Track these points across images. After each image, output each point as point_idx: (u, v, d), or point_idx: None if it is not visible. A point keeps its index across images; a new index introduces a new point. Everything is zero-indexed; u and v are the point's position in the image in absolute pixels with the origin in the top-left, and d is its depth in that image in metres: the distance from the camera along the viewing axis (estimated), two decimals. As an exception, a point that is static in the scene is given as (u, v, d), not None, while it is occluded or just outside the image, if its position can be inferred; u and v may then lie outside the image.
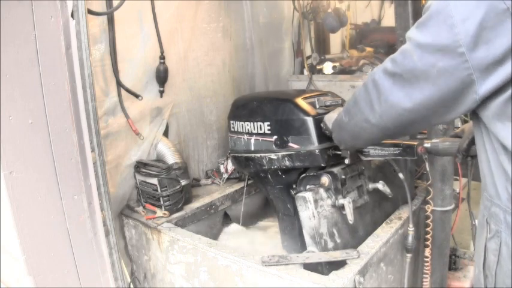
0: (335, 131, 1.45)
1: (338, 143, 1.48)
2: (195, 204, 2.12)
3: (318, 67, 3.12)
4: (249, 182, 2.33)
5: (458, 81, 0.86)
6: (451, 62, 0.85)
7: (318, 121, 1.69)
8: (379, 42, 3.96)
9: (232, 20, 2.65)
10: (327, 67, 3.05)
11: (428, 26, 0.89)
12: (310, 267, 1.53)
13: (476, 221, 1.79)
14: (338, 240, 1.64)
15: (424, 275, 1.85)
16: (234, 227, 2.30)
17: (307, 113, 1.71)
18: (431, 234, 1.81)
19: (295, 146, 1.73)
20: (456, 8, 0.82)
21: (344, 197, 1.66)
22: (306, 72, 3.17)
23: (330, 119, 1.57)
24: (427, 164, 1.60)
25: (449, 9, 0.83)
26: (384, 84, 1.01)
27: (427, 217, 1.80)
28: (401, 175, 1.67)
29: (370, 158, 1.65)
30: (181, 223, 1.98)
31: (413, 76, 0.93)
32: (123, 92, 2.00)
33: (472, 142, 1.30)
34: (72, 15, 1.33)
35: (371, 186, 1.79)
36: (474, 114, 0.97)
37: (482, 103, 0.88)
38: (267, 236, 2.26)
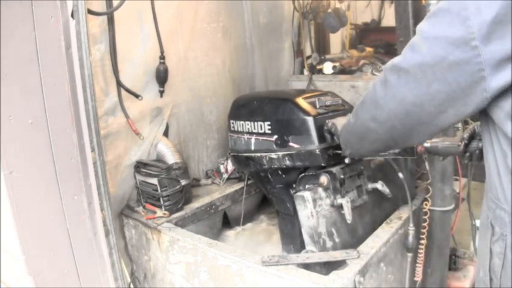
0: (342, 135, 1.40)
1: (344, 147, 1.42)
2: (195, 204, 2.12)
3: (318, 67, 3.12)
4: (249, 181, 2.33)
5: (468, 77, 0.83)
6: (463, 55, 0.81)
7: (318, 121, 1.70)
8: (379, 42, 3.97)
9: (232, 20, 2.65)
10: (327, 67, 3.05)
11: (440, 18, 0.85)
12: (309, 266, 1.53)
13: (477, 221, 1.80)
14: (337, 240, 1.65)
15: (417, 270, 1.84)
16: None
17: (307, 113, 1.72)
18: (427, 229, 1.80)
19: (296, 146, 1.73)
20: (471, 0, 0.79)
21: (343, 197, 1.66)
22: (306, 72, 3.17)
23: (340, 124, 1.53)
24: (426, 163, 1.60)
25: (463, 1, 0.80)
26: (391, 80, 0.98)
27: (425, 213, 1.80)
28: (401, 175, 1.67)
29: (370, 158, 1.65)
30: (181, 223, 1.98)
31: (421, 71, 0.89)
32: (123, 92, 2.00)
33: (469, 141, 1.30)
34: (72, 15, 1.33)
35: (370, 186, 1.79)
36: (482, 114, 0.94)
37: (494, 102, 0.85)
38: (266, 236, 2.26)
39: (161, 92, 2.19)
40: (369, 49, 3.56)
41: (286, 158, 1.76)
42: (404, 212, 1.86)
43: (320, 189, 1.66)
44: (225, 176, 2.45)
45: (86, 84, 1.41)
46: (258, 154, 1.85)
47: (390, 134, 1.08)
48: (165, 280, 1.93)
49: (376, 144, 1.21)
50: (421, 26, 0.91)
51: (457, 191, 2.05)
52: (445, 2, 0.85)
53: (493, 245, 0.98)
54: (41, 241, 1.32)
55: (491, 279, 1.01)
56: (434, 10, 0.88)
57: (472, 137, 1.30)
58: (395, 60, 0.97)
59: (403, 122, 1.01)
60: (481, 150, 1.26)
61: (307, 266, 1.52)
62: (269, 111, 1.82)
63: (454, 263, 2.25)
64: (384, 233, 1.70)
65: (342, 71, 3.10)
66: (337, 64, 3.09)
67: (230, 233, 2.30)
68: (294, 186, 1.83)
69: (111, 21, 1.89)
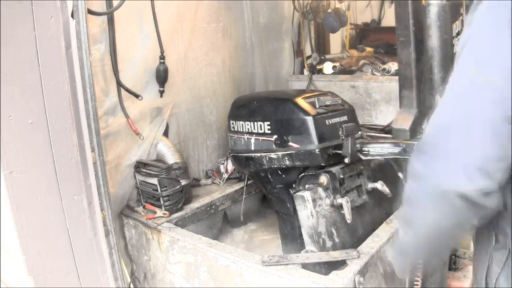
0: (402, 256, 1.08)
1: (416, 263, 1.24)
2: (195, 204, 2.12)
3: (318, 67, 3.13)
4: (249, 181, 2.33)
5: None
6: None
7: (318, 120, 1.70)
8: (379, 42, 3.97)
9: (232, 20, 2.65)
10: (327, 67, 3.06)
11: (483, 41, 0.70)
12: (308, 266, 1.53)
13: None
14: (337, 240, 1.65)
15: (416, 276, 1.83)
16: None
17: (307, 113, 1.72)
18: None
19: (295, 146, 1.73)
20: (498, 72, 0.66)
21: (342, 197, 1.66)
22: (306, 72, 3.18)
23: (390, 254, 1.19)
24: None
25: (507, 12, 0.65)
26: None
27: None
28: (401, 175, 1.67)
29: (370, 158, 1.65)
30: (181, 223, 1.98)
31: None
32: (123, 92, 2.00)
33: None
34: (72, 15, 1.33)
35: (370, 186, 1.79)
36: None
37: None
38: (266, 236, 2.26)
39: (161, 92, 2.19)
40: (369, 49, 3.56)
41: (286, 158, 1.76)
42: (404, 212, 1.86)
43: (320, 189, 1.66)
44: (225, 176, 2.45)
45: (86, 84, 1.41)
46: (258, 154, 1.85)
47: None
48: (165, 280, 1.93)
49: (459, 230, 0.95)
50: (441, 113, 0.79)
51: (457, 191, 2.04)
52: (464, 83, 0.72)
53: (494, 251, 0.96)
54: (41, 241, 1.32)
55: (486, 283, 1.00)
56: (471, 37, 0.74)
57: None
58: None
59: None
60: None
61: (305, 265, 1.52)
62: (269, 111, 1.82)
63: (454, 263, 2.25)
64: (384, 233, 1.70)
65: (342, 71, 3.11)
66: (337, 64, 3.09)
67: (230, 233, 2.30)
68: (294, 186, 1.83)
69: (111, 21, 1.89)
